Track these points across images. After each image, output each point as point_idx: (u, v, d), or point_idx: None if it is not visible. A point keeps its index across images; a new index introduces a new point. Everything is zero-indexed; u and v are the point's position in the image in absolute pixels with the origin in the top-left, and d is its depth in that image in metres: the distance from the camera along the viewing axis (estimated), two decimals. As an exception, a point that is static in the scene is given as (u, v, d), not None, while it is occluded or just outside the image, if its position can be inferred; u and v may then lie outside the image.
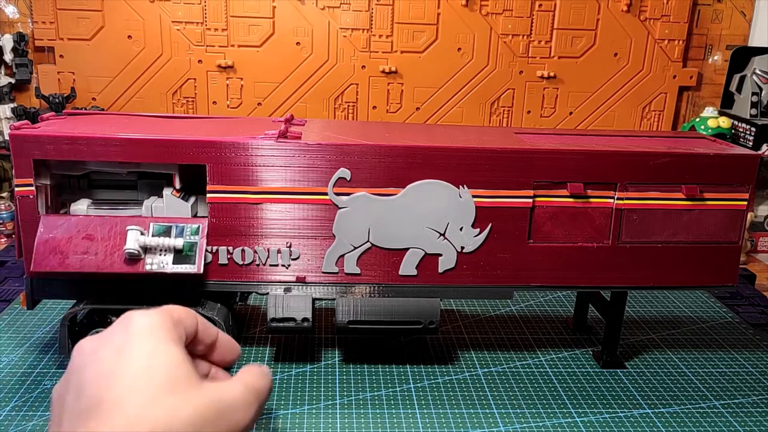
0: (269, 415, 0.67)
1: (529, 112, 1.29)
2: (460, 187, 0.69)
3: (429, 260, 0.71)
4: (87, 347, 0.49)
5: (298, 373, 0.74)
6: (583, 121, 1.30)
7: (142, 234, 0.66)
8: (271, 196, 0.68)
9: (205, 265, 0.68)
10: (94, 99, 1.24)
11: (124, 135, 0.66)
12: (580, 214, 0.71)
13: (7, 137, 1.09)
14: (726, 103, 1.28)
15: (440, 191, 0.69)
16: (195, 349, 0.54)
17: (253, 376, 0.52)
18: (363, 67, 1.24)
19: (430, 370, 0.76)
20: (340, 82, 1.25)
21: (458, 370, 0.76)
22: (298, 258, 0.70)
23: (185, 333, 0.51)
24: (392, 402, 0.70)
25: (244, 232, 0.69)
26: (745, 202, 0.73)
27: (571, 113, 1.29)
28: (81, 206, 0.70)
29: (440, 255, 0.70)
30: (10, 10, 1.21)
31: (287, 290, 0.71)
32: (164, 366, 0.46)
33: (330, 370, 0.75)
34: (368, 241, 0.69)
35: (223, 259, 0.69)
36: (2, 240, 1.19)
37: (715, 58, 1.30)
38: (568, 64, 1.26)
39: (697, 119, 1.22)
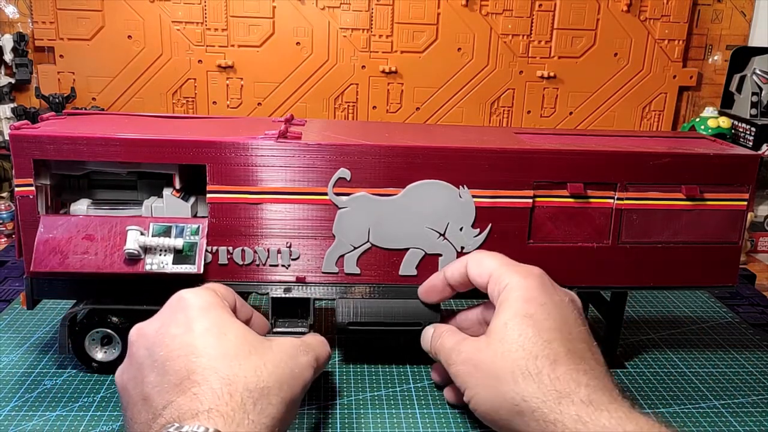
0: (269, 415, 0.67)
1: (529, 112, 1.29)
2: (460, 187, 0.69)
3: (429, 260, 0.71)
4: (148, 330, 0.52)
5: (298, 373, 0.74)
6: (583, 121, 1.30)
7: (142, 234, 0.66)
8: (271, 196, 0.68)
9: (205, 265, 0.68)
10: (94, 99, 1.24)
11: (124, 135, 0.66)
12: (580, 214, 0.71)
13: (7, 137, 1.09)
14: (726, 103, 1.28)
15: (440, 191, 0.69)
16: None
17: (313, 338, 0.59)
18: (363, 67, 1.24)
19: (430, 370, 0.76)
20: (340, 82, 1.25)
21: (458, 370, 0.76)
22: (298, 258, 0.70)
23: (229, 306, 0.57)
24: (392, 402, 0.70)
25: (244, 232, 0.69)
26: (745, 202, 0.73)
27: (571, 113, 1.29)
28: (81, 206, 0.70)
29: (440, 255, 0.70)
30: (10, 10, 1.21)
31: (287, 290, 0.71)
32: (234, 334, 0.51)
33: (330, 370, 0.75)
34: (368, 241, 0.70)
35: (223, 259, 0.69)
36: (2, 240, 1.19)
37: (715, 58, 1.30)
38: (568, 64, 1.26)
39: (697, 119, 1.22)
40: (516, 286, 0.56)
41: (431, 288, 0.68)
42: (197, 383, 0.45)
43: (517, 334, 0.52)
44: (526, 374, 0.50)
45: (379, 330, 0.71)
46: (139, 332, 0.52)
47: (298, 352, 0.54)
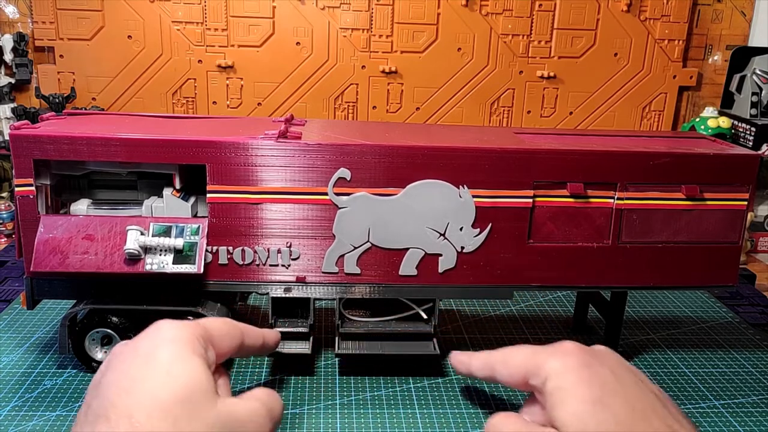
0: (269, 415, 0.67)
1: (529, 112, 1.29)
2: (460, 187, 0.69)
3: (429, 260, 0.71)
4: (117, 350, 0.50)
5: (298, 373, 0.74)
6: (583, 121, 1.30)
7: (142, 234, 0.66)
8: (271, 196, 0.68)
9: (205, 265, 0.68)
10: (94, 99, 1.24)
11: (124, 135, 0.66)
12: (580, 214, 0.71)
13: (7, 137, 1.09)
14: (726, 103, 1.28)
15: (440, 191, 0.69)
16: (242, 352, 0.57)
17: (266, 394, 0.52)
18: (363, 67, 1.24)
19: (430, 370, 0.76)
20: (340, 82, 1.25)
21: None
22: (298, 258, 0.70)
23: (215, 346, 0.52)
24: (392, 402, 0.70)
25: (244, 232, 0.69)
26: (745, 202, 0.73)
27: (571, 113, 1.29)
28: (81, 206, 0.70)
29: (440, 255, 0.70)
30: (10, 10, 1.21)
31: (287, 290, 0.71)
32: (182, 377, 0.46)
33: (330, 370, 0.75)
34: (368, 241, 0.70)
35: (223, 259, 0.69)
36: (2, 240, 1.19)
37: (715, 58, 1.30)
38: (568, 64, 1.26)
39: (697, 119, 1.22)
40: (562, 369, 0.51)
41: (459, 364, 0.63)
42: (108, 423, 0.42)
43: (595, 424, 0.47)
44: None
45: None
46: (113, 349, 0.50)
47: (251, 412, 0.49)
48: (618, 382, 0.50)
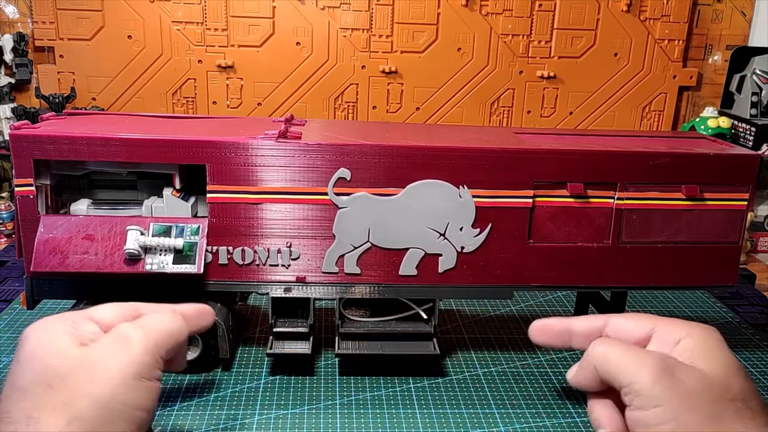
0: (269, 415, 0.67)
1: (529, 112, 1.29)
2: (460, 187, 0.69)
3: (429, 260, 0.71)
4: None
5: (298, 374, 0.74)
6: (583, 121, 1.30)
7: (142, 234, 0.66)
8: (271, 196, 0.68)
9: (205, 265, 0.68)
10: (94, 99, 1.24)
11: (124, 135, 0.66)
12: (580, 214, 0.71)
13: (7, 137, 1.09)
14: (726, 103, 1.28)
15: (440, 191, 0.69)
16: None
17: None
18: (363, 67, 1.24)
19: (430, 370, 0.76)
20: (340, 82, 1.25)
21: (458, 370, 0.76)
22: (298, 258, 0.70)
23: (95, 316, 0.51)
24: (392, 402, 0.70)
25: (244, 232, 0.69)
26: (745, 202, 0.73)
27: (571, 113, 1.29)
28: (81, 206, 0.70)
29: (440, 255, 0.70)
30: (10, 10, 1.21)
31: (287, 290, 0.71)
32: (36, 358, 0.46)
33: (330, 370, 0.75)
34: (368, 241, 0.70)
35: (223, 259, 0.69)
36: (2, 240, 1.19)
37: (715, 58, 1.30)
38: (568, 64, 1.26)
39: (697, 119, 1.22)
40: (705, 331, 0.53)
41: (550, 330, 0.58)
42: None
43: (739, 385, 0.50)
44: (744, 427, 0.48)
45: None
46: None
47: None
48: (738, 364, 0.52)
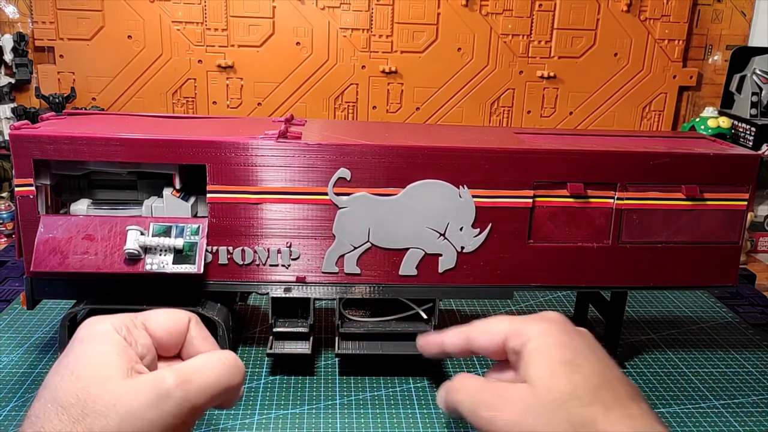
0: (269, 415, 0.67)
1: (529, 112, 1.29)
2: (460, 187, 0.69)
3: (429, 260, 0.71)
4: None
5: (298, 373, 0.74)
6: (583, 121, 1.30)
7: (142, 234, 0.66)
8: (271, 196, 0.68)
9: (205, 265, 0.68)
10: (94, 99, 1.24)
11: (124, 135, 0.66)
12: (580, 214, 0.71)
13: (7, 137, 1.09)
14: (726, 103, 1.28)
15: (440, 191, 0.69)
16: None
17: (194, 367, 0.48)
18: (363, 67, 1.24)
19: (430, 370, 0.76)
20: (340, 82, 1.25)
21: (459, 370, 0.76)
22: (298, 258, 0.70)
23: (151, 330, 0.50)
24: (392, 402, 0.70)
25: (244, 232, 0.69)
26: (745, 202, 0.73)
27: (571, 113, 1.29)
28: (81, 206, 0.70)
29: (440, 255, 0.70)
30: (10, 10, 1.21)
31: (287, 290, 0.71)
32: (83, 375, 0.45)
33: (330, 370, 0.75)
34: (368, 241, 0.69)
35: (223, 259, 0.69)
36: (2, 240, 1.19)
37: (715, 58, 1.30)
38: (568, 64, 1.26)
39: (697, 119, 1.22)
40: (543, 332, 0.54)
41: (430, 343, 0.63)
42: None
43: (564, 382, 0.50)
44: (584, 422, 0.48)
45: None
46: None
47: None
48: (592, 352, 0.54)
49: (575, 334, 0.56)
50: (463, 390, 0.56)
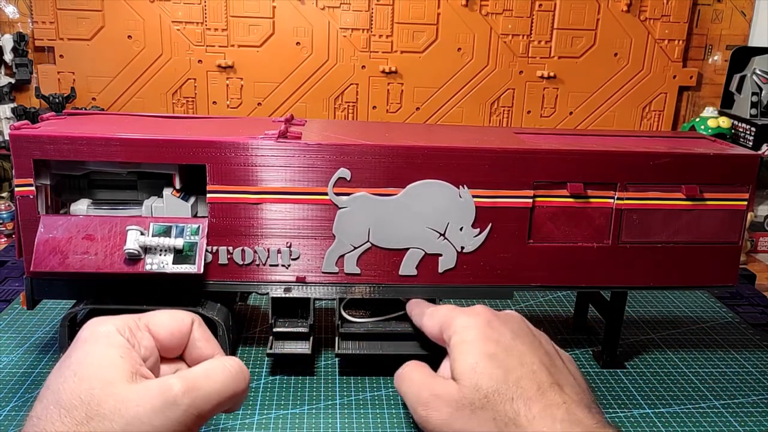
0: (269, 415, 0.67)
1: (529, 112, 1.29)
2: (460, 187, 0.69)
3: (429, 260, 0.71)
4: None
5: (298, 373, 0.74)
6: (583, 121, 1.30)
7: (142, 234, 0.66)
8: (271, 196, 0.68)
9: (205, 265, 0.68)
10: (94, 99, 1.24)
11: (124, 135, 0.66)
12: (580, 214, 0.71)
13: (7, 137, 1.09)
14: (726, 103, 1.28)
15: (440, 191, 0.69)
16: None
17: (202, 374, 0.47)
18: (363, 67, 1.24)
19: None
20: (340, 82, 1.25)
21: (458, 370, 0.76)
22: (298, 258, 0.70)
23: (154, 332, 0.50)
24: (392, 402, 0.70)
25: (244, 232, 0.69)
26: (745, 202, 0.73)
27: (571, 113, 1.29)
28: (81, 206, 0.70)
29: (440, 255, 0.70)
30: (10, 10, 1.21)
31: (287, 290, 0.71)
32: (87, 377, 0.44)
33: (330, 370, 0.75)
34: (368, 241, 0.70)
35: (223, 259, 0.69)
36: (2, 240, 1.19)
37: (715, 58, 1.30)
38: (568, 64, 1.26)
39: (697, 119, 1.22)
40: (466, 326, 0.56)
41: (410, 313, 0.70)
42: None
43: (488, 378, 0.51)
44: (508, 420, 0.49)
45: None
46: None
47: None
48: (515, 340, 0.54)
49: (499, 323, 0.57)
50: (408, 382, 0.58)
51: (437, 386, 0.54)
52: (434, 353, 0.66)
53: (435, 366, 0.59)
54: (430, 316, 0.62)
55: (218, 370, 0.48)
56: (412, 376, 0.58)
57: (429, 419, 0.53)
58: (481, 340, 0.54)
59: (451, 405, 0.52)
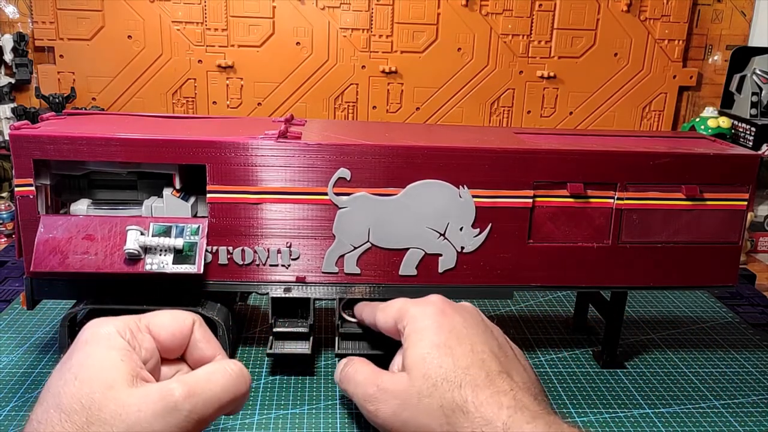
0: (269, 415, 0.67)
1: (529, 112, 1.29)
2: (460, 187, 0.69)
3: (429, 260, 0.71)
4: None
5: (298, 373, 0.74)
6: (583, 121, 1.30)
7: (142, 234, 0.66)
8: (271, 196, 0.68)
9: (205, 265, 0.68)
10: (94, 99, 1.24)
11: (124, 135, 0.66)
12: (580, 214, 0.71)
13: (7, 137, 1.09)
14: (726, 103, 1.28)
15: (440, 191, 0.69)
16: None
17: (204, 378, 0.47)
18: (363, 67, 1.24)
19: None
20: (340, 82, 1.25)
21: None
22: (298, 258, 0.70)
23: (154, 333, 0.50)
24: (392, 402, 0.70)
25: (244, 232, 0.69)
26: (745, 202, 0.73)
27: (571, 113, 1.29)
28: (81, 206, 0.70)
29: (440, 255, 0.70)
30: (10, 10, 1.21)
31: (287, 290, 0.71)
32: (87, 380, 0.44)
33: (330, 370, 0.75)
34: (368, 241, 0.70)
35: (223, 259, 0.69)
36: (2, 240, 1.19)
37: (715, 58, 1.30)
38: (568, 64, 1.26)
39: (697, 119, 1.22)
40: (419, 315, 0.56)
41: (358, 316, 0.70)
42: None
43: (437, 366, 0.51)
44: (455, 407, 0.49)
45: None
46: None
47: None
48: (466, 329, 0.54)
49: (453, 312, 0.56)
50: (354, 381, 0.58)
51: (383, 380, 0.55)
52: (387, 351, 0.66)
53: (386, 365, 0.59)
54: (383, 311, 0.62)
55: (219, 373, 0.48)
56: (357, 374, 0.58)
57: (378, 413, 0.54)
58: (433, 328, 0.54)
59: (398, 396, 0.52)
